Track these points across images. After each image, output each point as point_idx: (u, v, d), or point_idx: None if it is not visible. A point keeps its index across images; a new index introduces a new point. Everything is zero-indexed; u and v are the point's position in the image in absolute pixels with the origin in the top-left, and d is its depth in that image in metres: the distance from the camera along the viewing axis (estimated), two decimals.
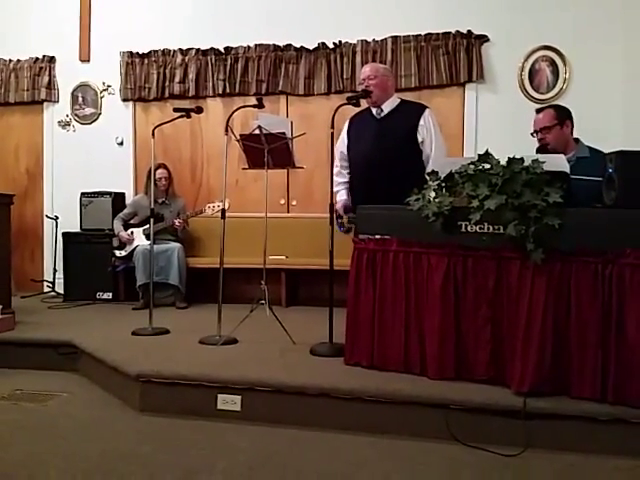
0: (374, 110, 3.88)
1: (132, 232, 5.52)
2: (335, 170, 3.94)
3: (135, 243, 5.47)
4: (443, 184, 3.06)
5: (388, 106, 3.85)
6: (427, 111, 3.82)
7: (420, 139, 3.77)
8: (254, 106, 4.03)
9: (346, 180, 4.01)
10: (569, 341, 2.73)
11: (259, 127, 4.02)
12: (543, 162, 2.79)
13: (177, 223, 5.45)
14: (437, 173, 3.08)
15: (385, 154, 3.72)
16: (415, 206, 3.06)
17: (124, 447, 2.73)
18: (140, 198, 5.73)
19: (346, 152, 3.98)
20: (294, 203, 5.96)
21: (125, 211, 5.72)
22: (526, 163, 2.81)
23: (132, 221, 5.64)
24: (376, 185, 3.73)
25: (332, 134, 3.63)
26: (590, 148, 3.49)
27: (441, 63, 5.44)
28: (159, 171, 5.54)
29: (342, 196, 3.99)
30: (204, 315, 4.82)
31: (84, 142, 6.31)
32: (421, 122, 3.77)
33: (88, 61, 6.33)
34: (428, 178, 3.14)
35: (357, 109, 3.84)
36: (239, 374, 3.12)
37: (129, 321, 4.49)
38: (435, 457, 2.61)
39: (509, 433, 2.68)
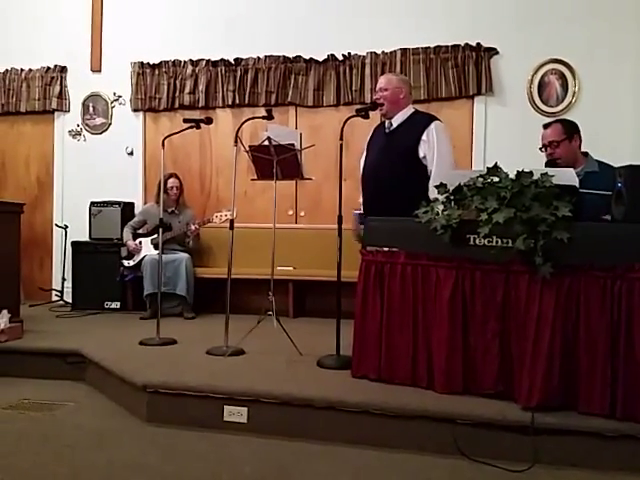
0: (386, 123, 3.86)
1: (140, 242, 5.55)
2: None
3: (143, 253, 5.49)
4: (452, 197, 3.05)
5: (398, 119, 3.77)
6: (433, 125, 3.66)
7: (422, 154, 3.63)
8: (263, 117, 4.05)
9: None
10: (577, 356, 2.71)
11: (268, 138, 4.04)
12: (552, 176, 2.78)
13: (193, 228, 5.46)
14: (445, 186, 3.08)
15: (387, 170, 3.69)
16: (423, 219, 3.07)
17: (130, 457, 2.73)
18: (150, 207, 5.75)
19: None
20: (302, 214, 5.97)
21: (135, 219, 5.77)
22: (535, 177, 2.80)
23: (141, 230, 5.67)
24: (376, 199, 3.73)
25: (341, 145, 3.65)
26: (599, 162, 3.46)
27: (450, 76, 5.46)
28: (171, 180, 5.59)
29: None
30: (211, 325, 4.81)
31: (94, 152, 6.36)
32: (424, 137, 3.62)
33: (99, 71, 6.39)
34: (436, 191, 3.13)
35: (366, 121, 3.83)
36: (246, 385, 3.12)
37: (137, 331, 4.50)
38: (442, 472, 2.59)
39: (517, 448, 2.66)
